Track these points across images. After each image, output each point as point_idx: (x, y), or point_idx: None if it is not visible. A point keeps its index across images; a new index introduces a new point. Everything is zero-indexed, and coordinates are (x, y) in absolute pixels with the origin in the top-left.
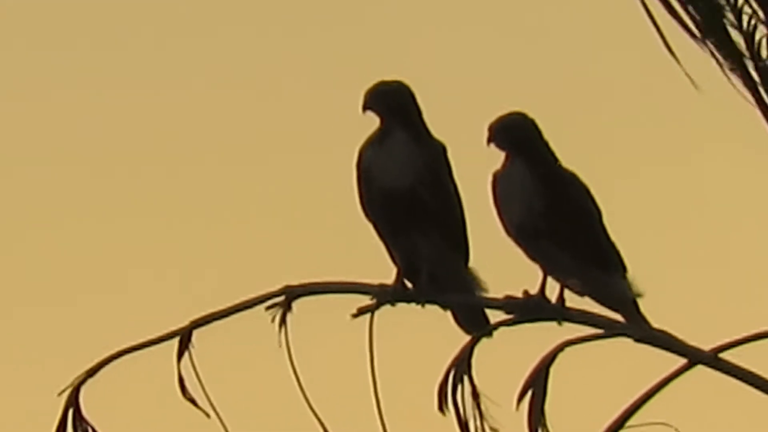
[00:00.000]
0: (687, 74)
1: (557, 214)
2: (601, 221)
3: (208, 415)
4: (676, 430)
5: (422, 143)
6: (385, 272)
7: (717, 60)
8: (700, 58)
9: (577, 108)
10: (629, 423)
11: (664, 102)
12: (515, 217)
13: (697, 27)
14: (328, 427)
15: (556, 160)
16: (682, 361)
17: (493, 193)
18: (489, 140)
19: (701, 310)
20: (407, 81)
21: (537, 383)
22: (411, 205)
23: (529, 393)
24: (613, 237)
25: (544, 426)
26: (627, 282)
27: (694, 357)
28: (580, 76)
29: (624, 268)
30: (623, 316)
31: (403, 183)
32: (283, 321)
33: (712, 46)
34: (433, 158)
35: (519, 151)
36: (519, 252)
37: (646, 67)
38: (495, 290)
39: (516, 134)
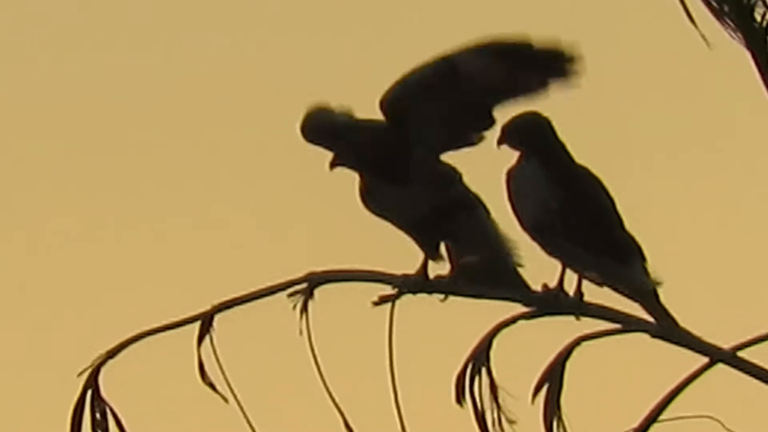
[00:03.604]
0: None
1: (572, 212)
2: (616, 213)
3: (226, 400)
4: (719, 422)
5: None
6: (408, 262)
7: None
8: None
9: (596, 99)
10: (668, 416)
11: (686, 88)
12: (530, 215)
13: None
14: (347, 417)
15: (570, 157)
16: (697, 357)
17: (508, 191)
18: (501, 141)
19: (720, 307)
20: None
21: (553, 378)
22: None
23: (545, 387)
24: (632, 230)
25: (560, 420)
26: (645, 271)
27: (712, 355)
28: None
29: (642, 258)
30: (643, 306)
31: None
32: (304, 308)
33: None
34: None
35: (533, 150)
36: (536, 245)
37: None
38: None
39: (530, 133)
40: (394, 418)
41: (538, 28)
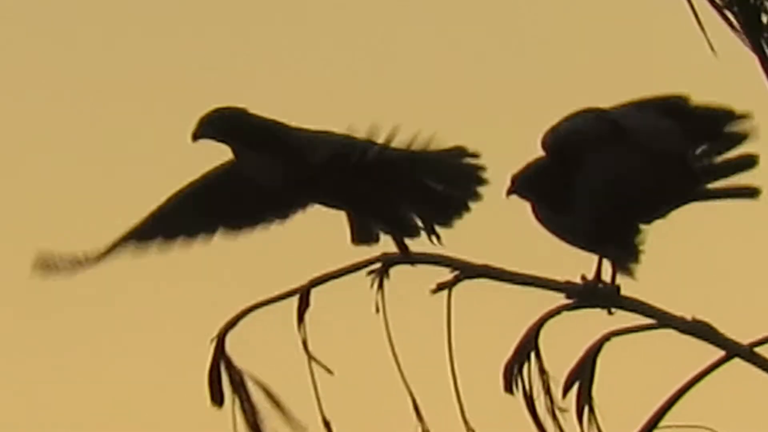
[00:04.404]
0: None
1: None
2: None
3: (330, 372)
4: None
5: None
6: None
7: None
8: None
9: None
10: (665, 424)
11: (688, 88)
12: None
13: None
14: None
15: None
16: (716, 354)
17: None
18: (510, 192)
19: (741, 302)
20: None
21: (583, 373)
22: None
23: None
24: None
25: (592, 412)
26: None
27: (728, 349)
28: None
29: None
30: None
31: None
32: (380, 286)
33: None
34: None
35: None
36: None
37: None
38: (559, 273)
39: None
40: (448, 402)
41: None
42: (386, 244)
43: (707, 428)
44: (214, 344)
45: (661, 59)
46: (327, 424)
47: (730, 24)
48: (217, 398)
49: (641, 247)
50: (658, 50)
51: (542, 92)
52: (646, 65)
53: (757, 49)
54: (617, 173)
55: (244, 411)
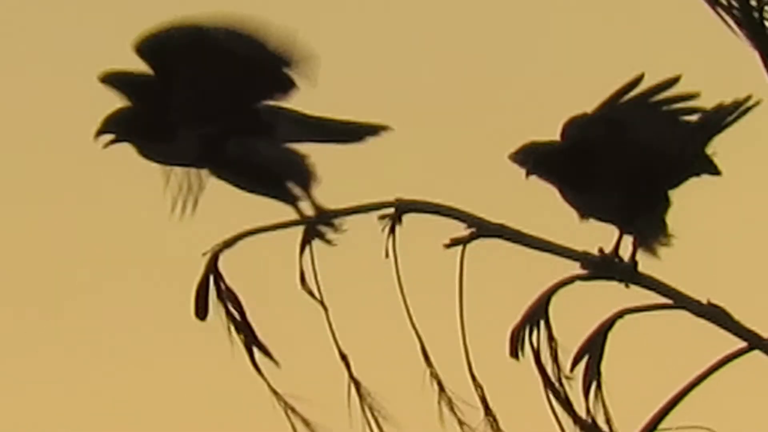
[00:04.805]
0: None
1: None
2: None
3: (325, 308)
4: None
5: None
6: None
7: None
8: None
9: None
10: (664, 426)
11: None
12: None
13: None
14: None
15: None
16: (733, 342)
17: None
18: (529, 173)
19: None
20: None
21: (593, 348)
22: None
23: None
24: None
25: (599, 387)
26: None
27: (750, 340)
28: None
29: None
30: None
31: None
32: (392, 232)
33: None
34: None
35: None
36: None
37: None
38: (576, 243)
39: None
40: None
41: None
42: (401, 189)
43: (708, 429)
44: (207, 258)
45: (661, 57)
46: (344, 357)
47: (733, 18)
48: (202, 312)
49: (669, 230)
50: (659, 49)
51: (542, 91)
52: (646, 64)
53: (759, 45)
54: (639, 139)
55: (229, 324)
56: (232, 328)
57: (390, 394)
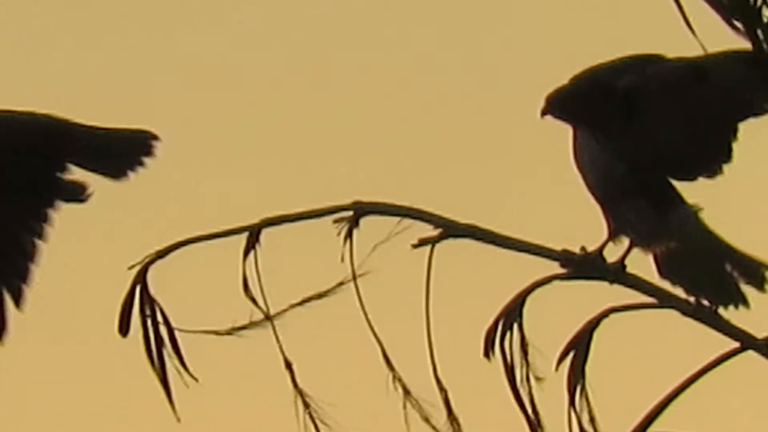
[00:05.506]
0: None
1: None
2: None
3: (268, 317)
4: None
5: None
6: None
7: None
8: None
9: None
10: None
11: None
12: (599, 187)
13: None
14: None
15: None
16: (725, 343)
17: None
18: (544, 112)
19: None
20: None
21: (579, 347)
22: None
23: (571, 355)
24: None
25: (584, 387)
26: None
27: (743, 341)
28: None
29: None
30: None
31: None
32: (349, 236)
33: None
34: None
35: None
36: (583, 207)
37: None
38: (556, 242)
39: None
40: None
41: None
42: (359, 191)
43: None
44: (136, 270)
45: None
46: (289, 365)
47: (729, 22)
48: (124, 328)
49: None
50: (658, 49)
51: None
52: None
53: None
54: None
55: (147, 343)
56: (152, 345)
57: (353, 399)
